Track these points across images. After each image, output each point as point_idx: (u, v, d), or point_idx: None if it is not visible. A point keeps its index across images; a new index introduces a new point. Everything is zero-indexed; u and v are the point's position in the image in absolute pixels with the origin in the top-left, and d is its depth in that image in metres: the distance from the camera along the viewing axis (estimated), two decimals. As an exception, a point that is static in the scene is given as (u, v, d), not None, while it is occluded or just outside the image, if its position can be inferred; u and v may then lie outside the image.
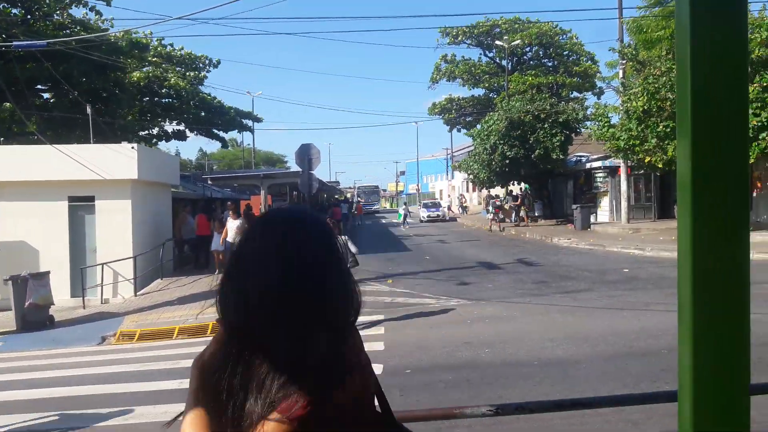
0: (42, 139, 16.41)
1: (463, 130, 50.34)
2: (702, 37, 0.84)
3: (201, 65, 32.79)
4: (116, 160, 14.19)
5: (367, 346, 6.78)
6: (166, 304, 12.68)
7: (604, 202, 27.72)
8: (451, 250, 21.45)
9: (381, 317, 10.12)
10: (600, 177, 28.63)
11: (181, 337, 10.20)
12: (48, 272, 12.11)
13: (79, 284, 13.63)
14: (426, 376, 6.71)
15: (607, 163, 26.97)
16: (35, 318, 11.44)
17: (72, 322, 11.84)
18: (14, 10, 21.92)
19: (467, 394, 6.10)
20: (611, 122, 22.09)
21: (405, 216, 38.20)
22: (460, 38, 44.11)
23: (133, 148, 14.45)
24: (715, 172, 0.85)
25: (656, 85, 18.71)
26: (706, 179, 0.85)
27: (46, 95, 24.98)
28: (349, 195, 69.69)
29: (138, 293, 14.17)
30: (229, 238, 14.05)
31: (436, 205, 43.98)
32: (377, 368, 6.99)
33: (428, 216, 40.34)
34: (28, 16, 22.30)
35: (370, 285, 13.82)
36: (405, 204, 49.55)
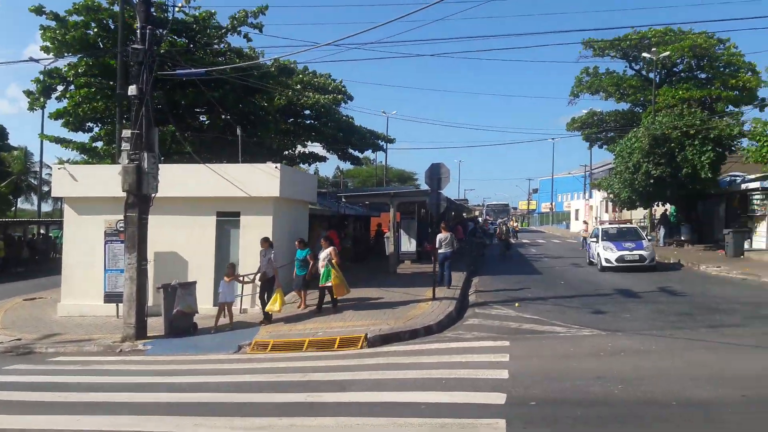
0: (196, 158, 17.79)
1: (605, 147, 48.08)
2: None
3: (336, 92, 34.29)
4: (260, 179, 15.04)
5: (490, 373, 6.67)
6: (300, 317, 13.31)
7: (761, 228, 25.03)
8: (587, 275, 20.42)
9: (506, 344, 9.85)
10: (758, 199, 25.99)
11: (310, 349, 10.61)
12: (194, 282, 13.16)
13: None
14: (553, 409, 6.41)
15: (766, 183, 24.41)
16: (181, 324, 12.44)
17: (213, 330, 12.70)
18: (179, 39, 24.01)
19: (596, 431, 5.77)
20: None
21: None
22: (606, 51, 42.25)
23: (276, 167, 15.15)
24: None
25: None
26: None
27: (202, 117, 27.17)
28: (477, 213, 68.67)
29: (274, 304, 14.91)
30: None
31: (635, 237, 22.19)
32: (500, 397, 6.78)
33: (622, 259, 20.47)
34: (191, 45, 24.39)
35: (495, 309, 13.53)
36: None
